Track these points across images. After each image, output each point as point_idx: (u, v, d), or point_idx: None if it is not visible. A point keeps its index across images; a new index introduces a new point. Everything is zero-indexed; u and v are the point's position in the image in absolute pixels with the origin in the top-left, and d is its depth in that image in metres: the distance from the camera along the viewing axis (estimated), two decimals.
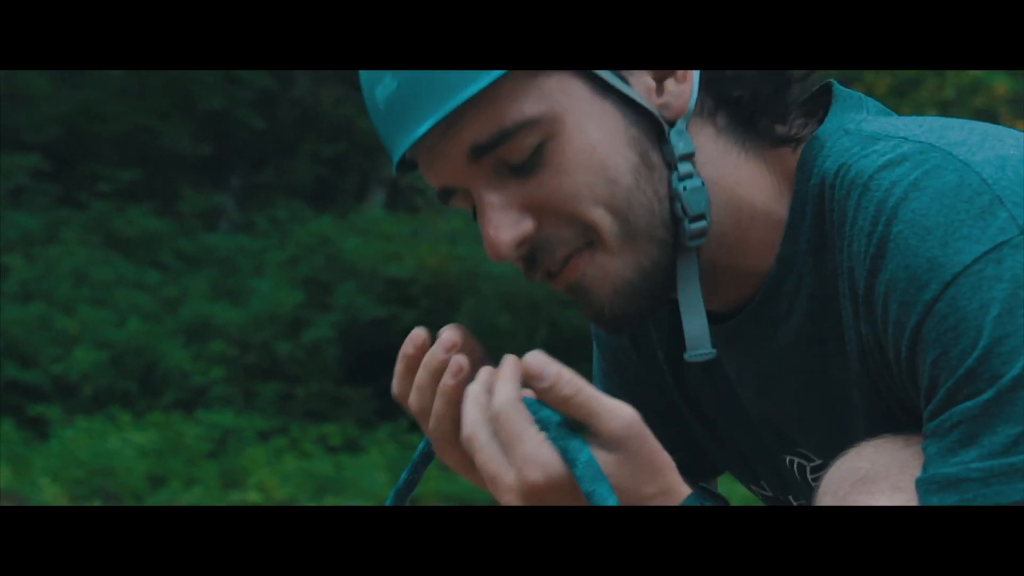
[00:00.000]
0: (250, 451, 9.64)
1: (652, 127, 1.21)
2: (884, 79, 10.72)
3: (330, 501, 8.76)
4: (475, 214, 1.24)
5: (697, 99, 1.23)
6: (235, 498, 8.85)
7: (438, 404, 1.18)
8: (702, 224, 1.21)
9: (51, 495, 8.40)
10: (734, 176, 1.24)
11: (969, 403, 1.09)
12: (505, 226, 1.20)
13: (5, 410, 9.70)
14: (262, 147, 13.51)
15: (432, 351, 1.19)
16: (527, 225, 1.21)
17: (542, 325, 11.03)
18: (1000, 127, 1.20)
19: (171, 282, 11.47)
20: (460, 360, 1.18)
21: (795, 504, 1.38)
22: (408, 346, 1.21)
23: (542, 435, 1.12)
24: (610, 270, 1.22)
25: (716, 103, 1.24)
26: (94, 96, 12.57)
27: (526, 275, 1.25)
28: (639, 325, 1.29)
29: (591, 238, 1.21)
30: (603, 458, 1.11)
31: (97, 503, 8.46)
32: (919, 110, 10.57)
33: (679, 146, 1.21)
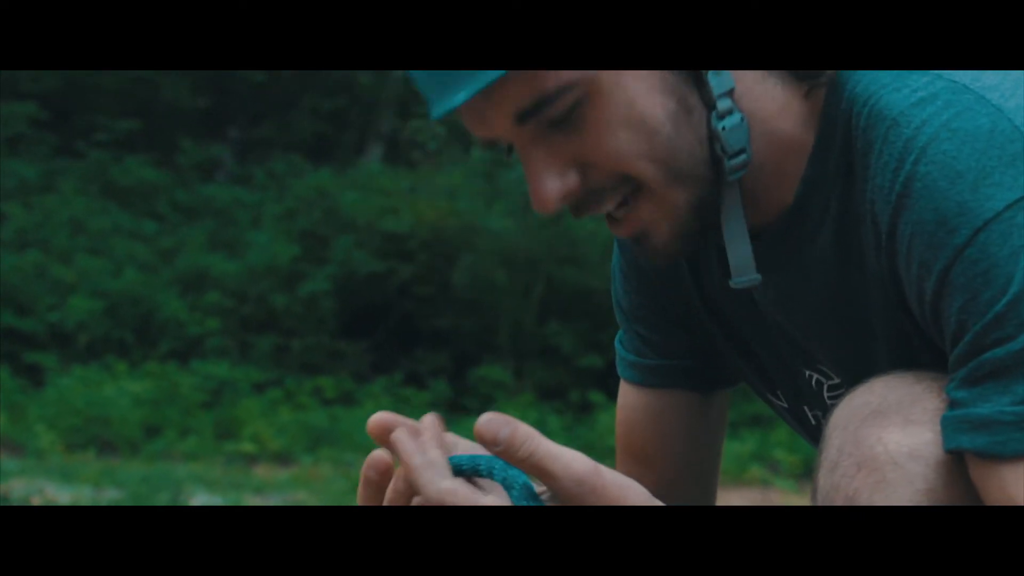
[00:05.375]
0: (245, 402, 9.68)
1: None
2: None
3: (325, 453, 8.80)
4: (509, 150, 1.25)
5: None
6: (229, 448, 8.89)
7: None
8: (743, 158, 1.23)
9: (47, 441, 8.45)
10: (772, 107, 1.24)
11: (999, 350, 1.10)
12: (550, 181, 1.21)
13: (1, 358, 9.74)
14: (261, 100, 13.50)
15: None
16: (572, 179, 1.22)
17: (539, 281, 11.05)
18: None
19: (168, 233, 11.48)
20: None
21: (810, 415, 1.41)
22: (371, 472, 1.17)
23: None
24: (663, 213, 1.23)
25: None
26: None
27: (575, 215, 1.26)
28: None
29: (636, 185, 1.22)
30: None
31: (92, 451, 8.51)
32: None
33: (717, 85, 1.21)
